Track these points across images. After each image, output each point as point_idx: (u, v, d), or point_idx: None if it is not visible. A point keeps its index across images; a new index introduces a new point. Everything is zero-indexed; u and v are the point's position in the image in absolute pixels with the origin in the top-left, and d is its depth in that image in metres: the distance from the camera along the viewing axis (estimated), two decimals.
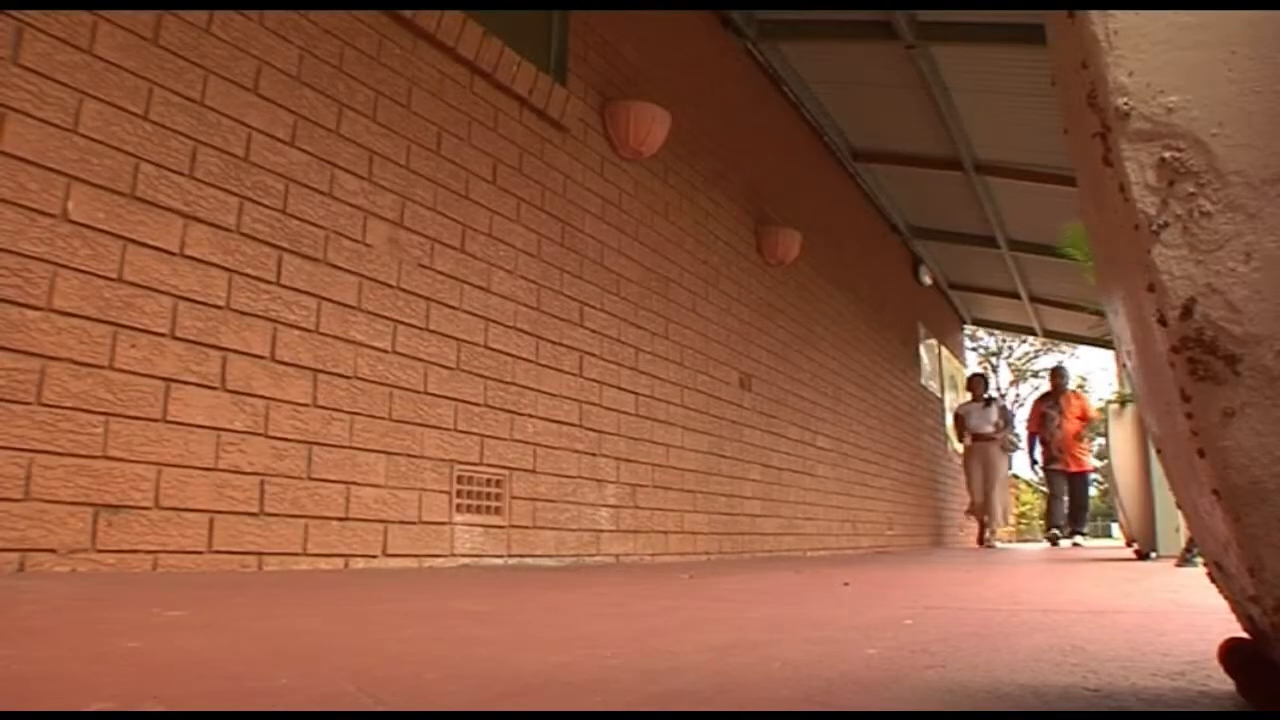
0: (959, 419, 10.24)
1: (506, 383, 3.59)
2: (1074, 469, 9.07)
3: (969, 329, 15.72)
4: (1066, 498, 9.13)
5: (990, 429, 9.86)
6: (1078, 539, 9.06)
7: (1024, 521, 27.63)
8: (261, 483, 2.59)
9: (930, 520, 10.37)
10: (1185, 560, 4.02)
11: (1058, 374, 9.60)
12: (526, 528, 3.61)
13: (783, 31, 6.23)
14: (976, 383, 10.48)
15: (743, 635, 1.29)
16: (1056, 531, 9.15)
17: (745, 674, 0.92)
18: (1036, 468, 9.91)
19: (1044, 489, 9.39)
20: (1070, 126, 0.70)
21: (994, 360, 31.39)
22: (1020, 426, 10.36)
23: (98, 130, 2.27)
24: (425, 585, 2.27)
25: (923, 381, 10.88)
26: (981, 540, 9.68)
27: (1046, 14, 0.70)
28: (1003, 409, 10.22)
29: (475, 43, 3.55)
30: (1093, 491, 10.70)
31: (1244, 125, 0.54)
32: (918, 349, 10.77)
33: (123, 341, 2.28)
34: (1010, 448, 10.26)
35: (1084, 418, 9.25)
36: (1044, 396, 9.65)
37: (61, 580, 1.94)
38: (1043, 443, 9.35)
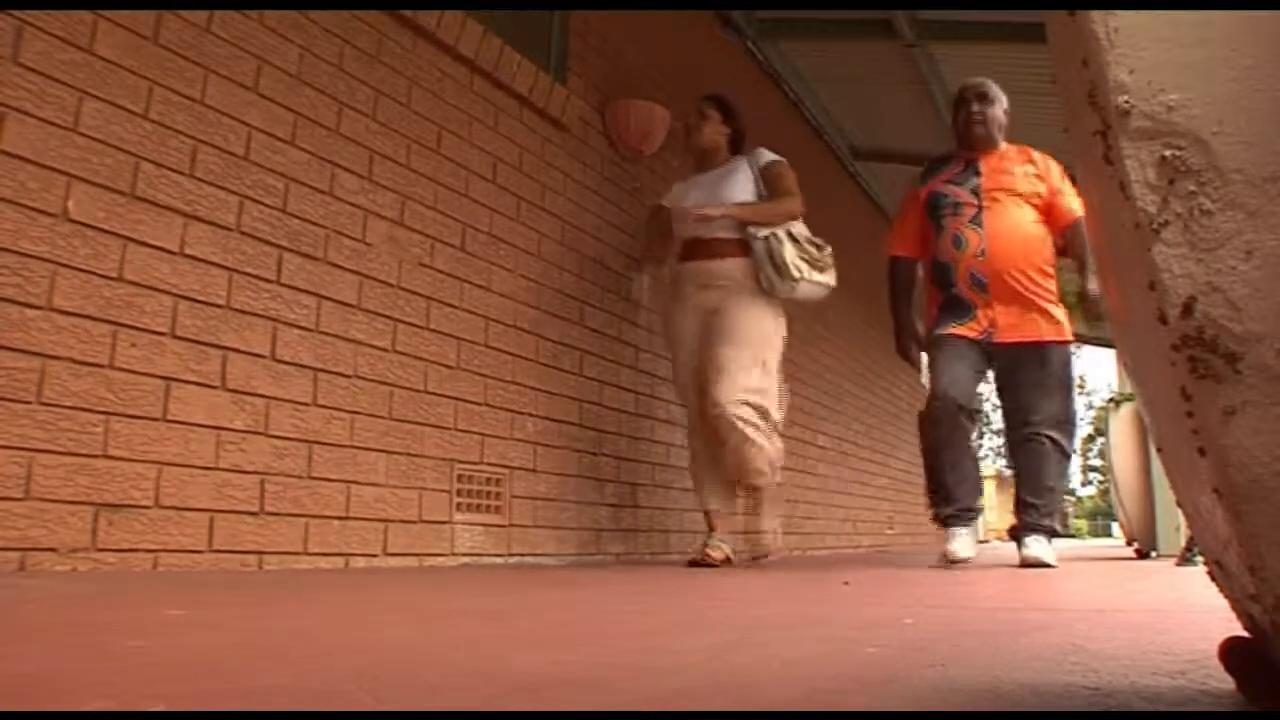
0: (653, 215, 4.05)
1: (507, 381, 3.59)
2: (1011, 337, 3.58)
3: None
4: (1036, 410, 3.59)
5: (733, 234, 3.64)
6: (1030, 542, 3.52)
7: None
8: (262, 482, 2.59)
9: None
10: (1186, 559, 4.02)
11: (967, 101, 3.81)
12: (527, 527, 3.61)
13: (783, 30, 6.23)
14: (700, 111, 4.06)
15: (743, 634, 1.29)
16: (954, 517, 3.64)
17: (745, 673, 0.92)
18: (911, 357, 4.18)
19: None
20: (1070, 125, 0.70)
21: None
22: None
23: (98, 129, 2.27)
24: (425, 584, 2.27)
25: (924, 380, 10.80)
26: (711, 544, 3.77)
27: (1047, 13, 0.70)
28: (771, 169, 3.98)
29: (475, 42, 3.55)
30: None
31: (1245, 123, 0.54)
32: None
33: (123, 341, 2.29)
34: (787, 280, 3.55)
35: (1052, 214, 3.65)
36: (935, 163, 3.94)
37: (62, 579, 1.94)
38: (931, 280, 3.79)
